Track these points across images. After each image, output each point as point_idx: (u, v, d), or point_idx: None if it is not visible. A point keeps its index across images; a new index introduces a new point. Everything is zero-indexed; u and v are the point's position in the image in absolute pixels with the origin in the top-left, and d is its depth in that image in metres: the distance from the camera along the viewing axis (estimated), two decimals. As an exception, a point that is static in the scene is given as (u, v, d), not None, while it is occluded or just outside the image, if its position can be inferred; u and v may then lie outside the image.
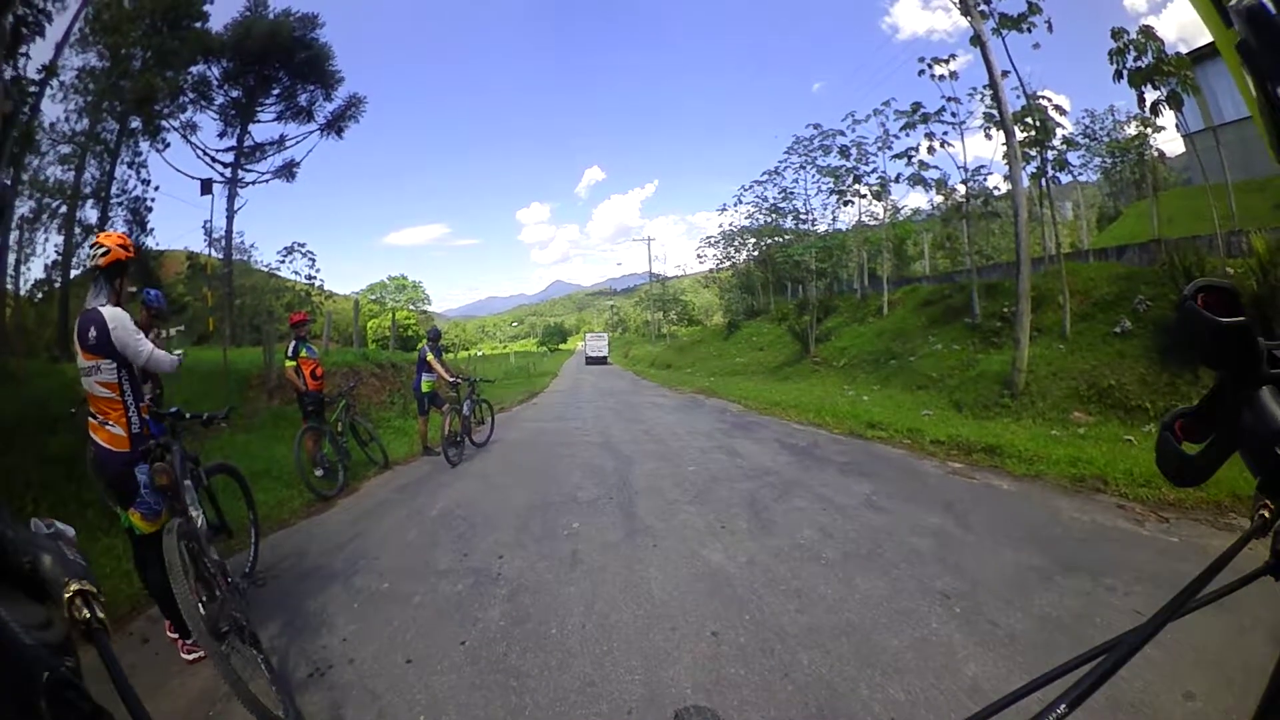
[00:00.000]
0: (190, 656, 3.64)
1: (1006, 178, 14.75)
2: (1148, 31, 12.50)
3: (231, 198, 27.57)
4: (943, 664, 3.24)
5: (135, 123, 23.29)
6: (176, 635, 3.76)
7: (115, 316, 3.61)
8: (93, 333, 3.58)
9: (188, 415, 4.25)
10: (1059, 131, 14.94)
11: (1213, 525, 5.14)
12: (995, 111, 13.67)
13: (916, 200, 52.61)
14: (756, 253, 40.82)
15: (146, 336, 3.90)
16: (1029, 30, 12.91)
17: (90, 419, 3.71)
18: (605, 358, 54.34)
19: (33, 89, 18.36)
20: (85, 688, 0.65)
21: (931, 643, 3.48)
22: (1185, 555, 4.54)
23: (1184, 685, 2.84)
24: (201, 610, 3.11)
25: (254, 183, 28.53)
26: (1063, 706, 0.62)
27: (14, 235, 19.13)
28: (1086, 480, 6.58)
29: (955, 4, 12.91)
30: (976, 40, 12.67)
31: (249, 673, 3.06)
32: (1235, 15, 0.63)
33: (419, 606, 4.36)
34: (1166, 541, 4.87)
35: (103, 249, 3.65)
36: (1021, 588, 4.14)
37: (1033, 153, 14.44)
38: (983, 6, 12.78)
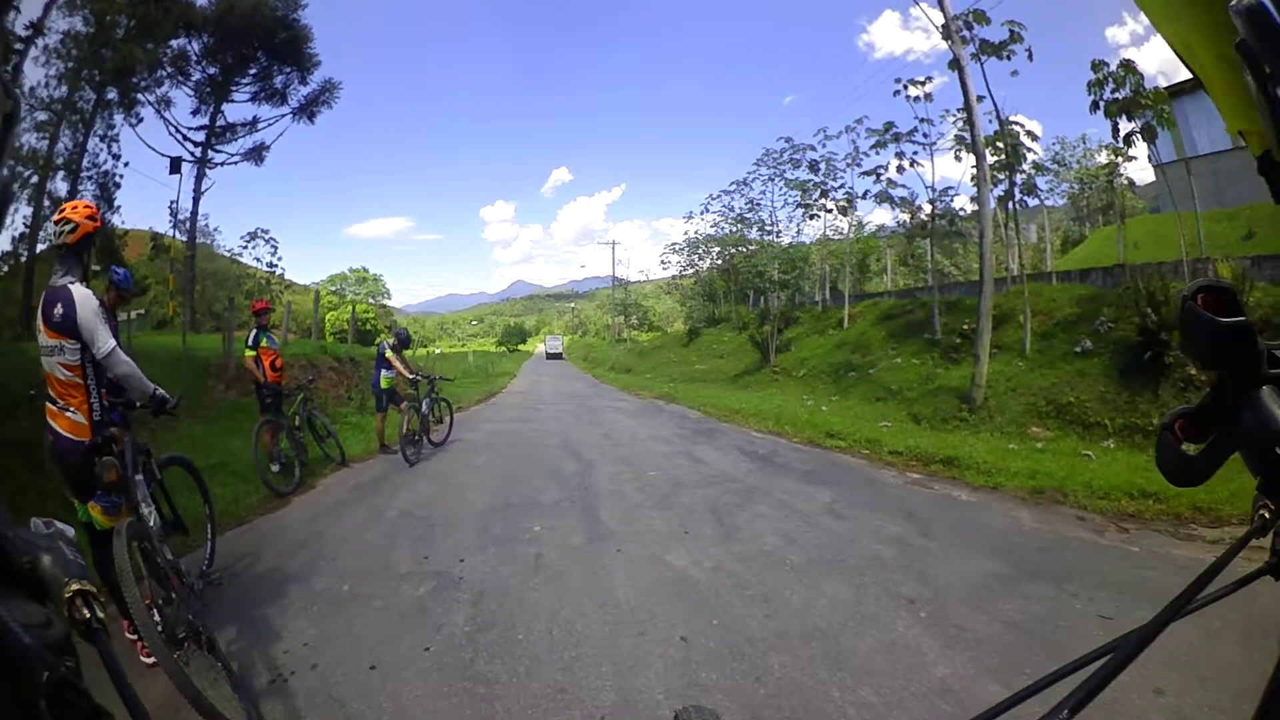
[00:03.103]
0: (150, 660, 3.41)
1: (974, 199, 15.01)
2: (1129, 65, 12.79)
3: (199, 178, 26.77)
4: (912, 666, 3.29)
5: (112, 94, 22.48)
6: (136, 636, 3.53)
7: (85, 299, 3.40)
8: (59, 310, 3.35)
9: (137, 404, 4.08)
10: (1029, 156, 15.26)
11: (1173, 535, 5.28)
12: (968, 134, 13.88)
13: (881, 216, 53.57)
14: (720, 261, 41.07)
15: (115, 316, 3.73)
16: (1008, 58, 13.15)
17: (49, 404, 3.48)
18: (561, 354, 73.66)
19: (19, 46, 17.75)
20: (85, 688, 0.63)
21: (899, 646, 3.52)
22: (1146, 563, 4.66)
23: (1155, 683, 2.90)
24: (156, 616, 2.97)
25: (223, 164, 27.87)
26: (1065, 713, 0.61)
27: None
28: (1045, 492, 6.71)
29: (937, 28, 13.06)
30: (955, 64, 12.81)
31: (208, 681, 2.92)
32: (1235, 15, 0.63)
33: (381, 610, 4.27)
34: (1127, 550, 5.00)
35: (70, 225, 3.41)
36: (985, 593, 4.22)
37: (1002, 176, 14.71)
38: (964, 32, 12.95)
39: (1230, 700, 2.74)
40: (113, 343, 3.50)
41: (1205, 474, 0.77)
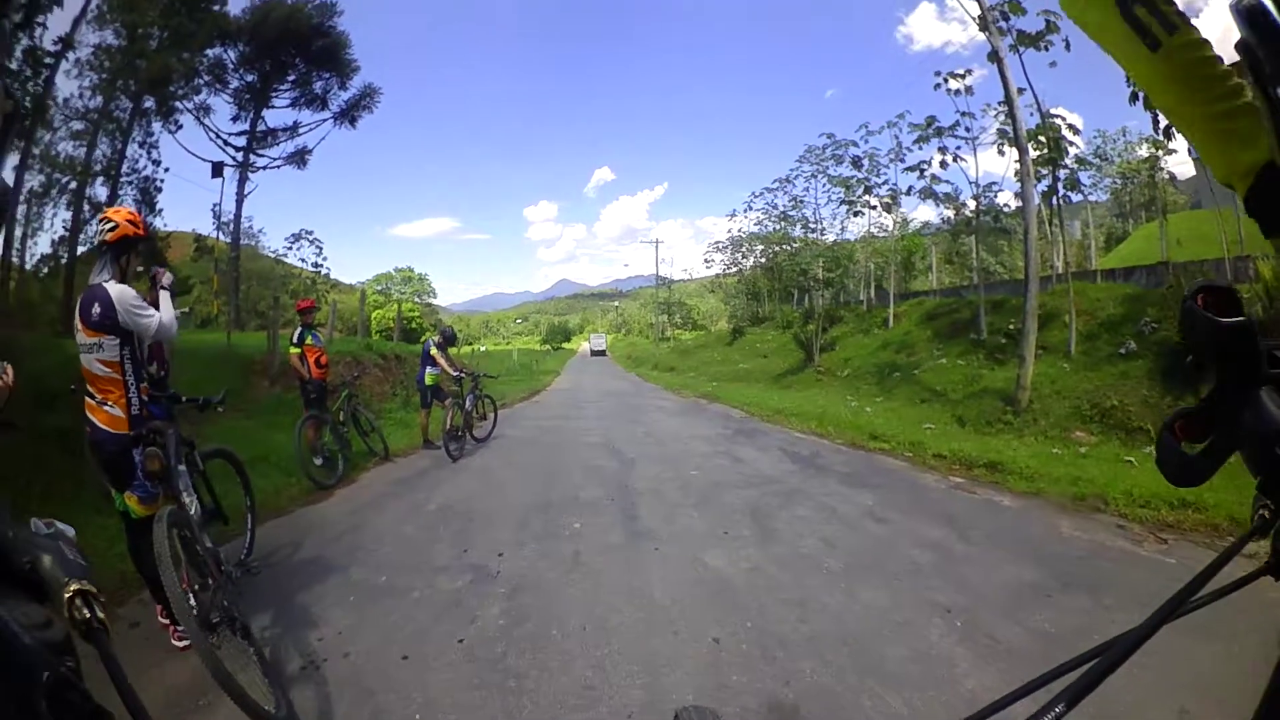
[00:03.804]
0: (182, 644, 3.57)
1: (1017, 195, 14.66)
2: (1167, 54, 12.41)
3: (242, 182, 27.53)
4: (943, 676, 3.24)
5: (149, 102, 23.03)
6: (168, 621, 3.69)
7: (122, 294, 3.49)
8: (96, 309, 3.45)
9: (184, 399, 4.21)
10: (1071, 150, 14.86)
11: (1210, 548, 5.10)
12: (1009, 128, 13.56)
13: (925, 213, 52.59)
14: (764, 259, 40.71)
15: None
16: (1046, 48, 12.80)
17: (88, 399, 3.58)
18: (604, 351, 78.17)
19: (49, 60, 18.29)
20: (85, 688, 0.66)
21: (932, 655, 3.47)
22: (1182, 576, 4.47)
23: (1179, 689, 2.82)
24: (191, 601, 3.04)
25: (265, 168, 28.55)
26: (1061, 706, 0.64)
27: (22, 209, 19.02)
28: (1086, 499, 6.53)
29: (975, 19, 12.80)
30: (994, 56, 12.53)
31: (239, 665, 2.98)
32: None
33: (416, 602, 4.34)
34: (1164, 562, 4.86)
35: (110, 224, 3.55)
36: (1021, 603, 4.13)
37: (1045, 171, 14.35)
38: (1001, 23, 12.65)
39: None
40: (155, 317, 3.63)
41: (1205, 474, 0.78)
